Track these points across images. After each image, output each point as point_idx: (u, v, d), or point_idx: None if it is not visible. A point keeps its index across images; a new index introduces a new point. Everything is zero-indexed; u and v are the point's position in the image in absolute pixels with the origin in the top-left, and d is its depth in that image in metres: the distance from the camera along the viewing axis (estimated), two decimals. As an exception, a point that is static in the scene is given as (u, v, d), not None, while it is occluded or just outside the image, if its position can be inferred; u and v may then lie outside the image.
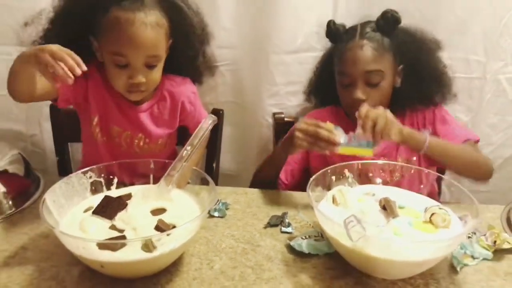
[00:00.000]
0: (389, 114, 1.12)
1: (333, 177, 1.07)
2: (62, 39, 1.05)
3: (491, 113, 1.51)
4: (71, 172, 1.55)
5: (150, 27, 1.09)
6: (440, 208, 0.95)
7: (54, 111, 1.51)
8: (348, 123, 1.28)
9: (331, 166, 1.07)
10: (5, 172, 1.18)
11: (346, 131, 1.13)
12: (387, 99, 1.30)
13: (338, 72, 1.31)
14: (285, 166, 1.33)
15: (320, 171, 1.04)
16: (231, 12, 1.44)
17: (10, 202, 1.15)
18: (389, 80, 1.28)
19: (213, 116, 1.06)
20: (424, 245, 0.86)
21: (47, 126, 1.58)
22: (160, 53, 1.16)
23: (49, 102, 1.50)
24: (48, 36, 1.17)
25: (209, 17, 1.43)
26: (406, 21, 1.26)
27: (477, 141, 1.30)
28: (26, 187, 1.21)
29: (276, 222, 1.08)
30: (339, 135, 1.10)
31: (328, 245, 0.97)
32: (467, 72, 1.43)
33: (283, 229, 1.06)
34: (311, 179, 0.99)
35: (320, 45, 1.45)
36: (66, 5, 1.15)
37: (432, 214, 0.94)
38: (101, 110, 1.27)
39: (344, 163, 1.10)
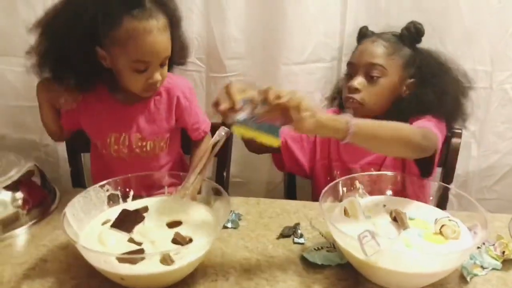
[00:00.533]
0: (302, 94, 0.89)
1: (344, 189, 1.09)
2: (64, 50, 1.15)
3: (497, 122, 1.53)
4: (84, 182, 1.61)
5: (163, 31, 1.15)
6: (449, 220, 0.97)
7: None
8: None
9: (342, 178, 1.09)
10: (22, 183, 1.20)
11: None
12: (383, 100, 1.31)
13: (346, 64, 1.37)
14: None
15: (332, 183, 1.06)
16: (240, 23, 1.47)
17: (27, 213, 1.17)
18: (391, 82, 1.30)
19: (225, 128, 1.08)
20: (437, 257, 0.88)
21: (61, 136, 1.60)
22: (170, 52, 1.21)
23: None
24: (48, 47, 1.19)
25: (218, 28, 1.47)
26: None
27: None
28: (43, 198, 1.24)
29: (289, 233, 1.10)
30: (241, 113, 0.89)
31: (340, 256, 0.99)
32: (474, 82, 1.44)
33: (296, 240, 1.08)
34: (323, 191, 1.02)
35: (329, 56, 1.48)
36: (69, 19, 1.14)
37: (442, 225, 0.96)
38: (95, 123, 1.33)
39: (354, 174, 1.12)
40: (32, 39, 1.44)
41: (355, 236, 0.87)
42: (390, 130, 1.03)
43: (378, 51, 1.29)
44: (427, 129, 1.17)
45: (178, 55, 1.30)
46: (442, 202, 1.12)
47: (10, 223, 1.13)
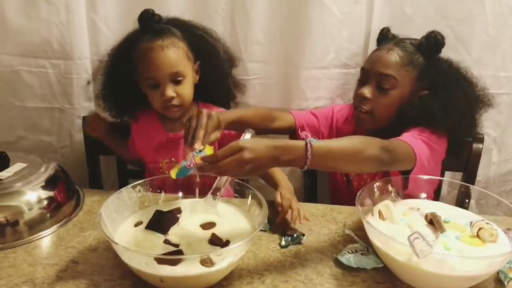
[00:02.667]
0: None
1: (378, 192, 1.09)
2: (116, 86, 1.36)
3: (518, 127, 1.54)
4: (101, 184, 1.59)
5: (167, 48, 1.26)
6: (487, 223, 0.97)
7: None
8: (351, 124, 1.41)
9: (376, 181, 1.10)
10: (47, 184, 1.18)
11: (347, 133, 1.22)
12: (392, 111, 1.29)
13: (360, 69, 1.37)
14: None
15: (366, 186, 1.06)
16: (264, 27, 1.46)
17: (53, 215, 1.15)
18: (402, 93, 1.27)
19: (251, 130, 1.08)
20: (482, 260, 0.87)
21: (78, 137, 1.59)
22: (182, 69, 1.29)
23: (81, 114, 1.54)
24: (106, 86, 1.39)
25: (243, 31, 1.47)
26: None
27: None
28: (68, 199, 1.22)
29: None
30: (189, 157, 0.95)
31: (375, 259, 0.99)
32: (496, 88, 1.44)
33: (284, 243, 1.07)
34: (358, 193, 1.01)
35: (352, 62, 1.48)
36: (111, 57, 1.36)
37: (480, 228, 0.96)
38: (148, 150, 1.43)
39: (386, 178, 1.12)
40: (53, 40, 1.46)
41: (395, 238, 0.87)
42: (344, 148, 1.00)
43: (392, 61, 1.26)
44: (396, 142, 1.14)
45: (222, 93, 1.43)
46: (466, 206, 1.13)
47: (36, 224, 1.12)
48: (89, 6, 1.45)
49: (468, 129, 1.34)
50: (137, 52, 1.28)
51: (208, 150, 0.99)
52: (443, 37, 1.27)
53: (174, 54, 1.27)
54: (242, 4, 1.43)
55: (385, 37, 1.39)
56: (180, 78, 1.28)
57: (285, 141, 0.96)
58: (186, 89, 1.31)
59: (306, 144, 0.93)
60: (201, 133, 1.03)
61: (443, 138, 1.27)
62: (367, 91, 1.29)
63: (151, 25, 1.28)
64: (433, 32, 1.27)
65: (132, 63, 1.29)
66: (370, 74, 1.30)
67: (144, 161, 1.46)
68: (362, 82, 1.33)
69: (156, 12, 1.29)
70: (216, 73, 1.38)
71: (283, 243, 1.07)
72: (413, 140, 1.17)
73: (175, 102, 1.29)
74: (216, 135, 1.09)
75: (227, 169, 0.90)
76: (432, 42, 1.27)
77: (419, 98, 1.28)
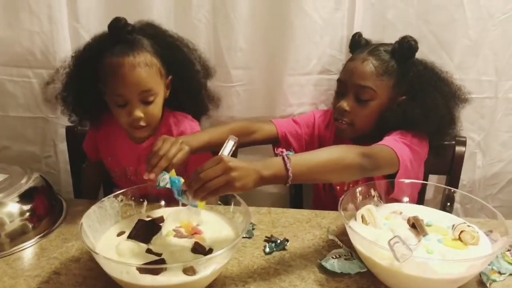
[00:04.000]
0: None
1: (360, 197, 1.09)
2: (78, 91, 1.26)
3: (501, 131, 1.55)
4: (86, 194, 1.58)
5: (139, 67, 1.17)
6: (468, 226, 0.98)
7: (70, 133, 1.53)
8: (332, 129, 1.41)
9: (359, 186, 1.10)
10: (29, 195, 1.17)
11: (329, 138, 1.23)
12: (372, 120, 1.29)
13: (336, 80, 1.35)
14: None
15: (348, 191, 1.07)
16: (247, 33, 1.47)
17: (35, 226, 1.14)
18: (381, 103, 1.27)
19: (234, 137, 1.07)
20: (463, 263, 0.88)
21: (62, 147, 1.59)
22: (153, 88, 1.21)
23: (65, 124, 1.53)
24: (68, 89, 1.29)
25: (226, 38, 1.47)
26: (422, 47, 1.28)
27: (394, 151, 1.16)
28: (51, 210, 1.21)
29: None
30: (163, 178, 0.98)
31: (359, 264, 0.99)
32: (478, 92, 1.46)
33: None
34: (341, 199, 1.02)
35: (335, 68, 1.49)
36: (75, 61, 1.27)
37: (461, 231, 0.96)
38: (113, 156, 1.38)
39: (369, 182, 1.13)
40: (36, 50, 1.45)
41: (377, 243, 0.87)
42: (323, 159, 1.00)
43: (367, 72, 1.25)
44: (378, 147, 1.14)
45: (195, 105, 1.37)
46: (450, 209, 1.13)
47: (18, 236, 1.11)
48: (71, 16, 1.46)
49: (449, 129, 1.33)
50: (105, 64, 1.19)
51: (172, 174, 0.99)
52: (416, 42, 1.25)
53: (146, 73, 1.18)
54: (224, 11, 1.44)
55: (357, 43, 1.38)
56: (150, 99, 1.21)
57: (262, 159, 0.96)
58: (156, 109, 1.24)
59: (283, 158, 0.93)
60: (162, 162, 1.01)
61: (424, 140, 1.28)
62: (345, 104, 1.28)
63: (122, 36, 1.18)
64: (405, 37, 1.26)
65: (99, 71, 1.21)
66: (347, 86, 1.29)
67: (107, 166, 1.41)
68: (339, 94, 1.32)
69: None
70: (190, 85, 1.32)
71: (267, 249, 1.07)
72: (395, 144, 1.17)
73: (142, 122, 1.22)
74: (178, 157, 1.05)
75: (212, 180, 0.87)
76: (406, 47, 1.26)
77: (398, 104, 1.28)
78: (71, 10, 1.44)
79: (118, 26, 1.17)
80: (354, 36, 1.39)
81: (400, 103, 1.28)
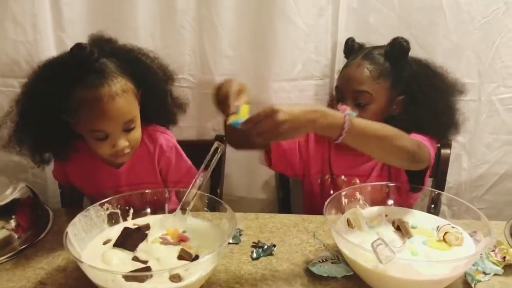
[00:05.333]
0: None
1: (346, 200, 1.10)
2: (36, 126, 1.15)
3: (486, 132, 1.57)
4: (73, 203, 1.57)
5: (118, 96, 1.11)
6: (452, 227, 0.99)
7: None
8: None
9: (344, 190, 1.10)
10: (15, 205, 1.16)
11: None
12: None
13: (334, 87, 1.36)
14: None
15: (333, 194, 1.07)
16: (232, 40, 1.48)
17: (21, 236, 1.14)
18: (380, 106, 1.29)
19: (220, 143, 1.08)
20: (447, 264, 0.89)
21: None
22: (135, 114, 1.17)
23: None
24: (23, 126, 1.17)
25: (211, 45, 1.48)
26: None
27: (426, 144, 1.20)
28: (37, 220, 1.20)
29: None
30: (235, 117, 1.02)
31: (346, 267, 0.99)
32: (463, 95, 1.48)
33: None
34: (326, 202, 1.02)
35: (320, 73, 1.50)
36: (30, 93, 1.16)
37: (446, 233, 0.97)
38: (88, 181, 1.33)
39: (354, 186, 1.13)
40: (21, 60, 1.44)
41: (362, 246, 0.88)
42: (382, 132, 1.03)
43: (363, 76, 1.27)
44: (421, 142, 1.16)
45: (163, 115, 1.32)
46: (435, 211, 1.13)
47: (4, 246, 1.10)
48: (56, 25, 1.46)
49: (453, 121, 1.33)
50: (77, 98, 1.09)
51: (244, 108, 1.03)
52: (407, 42, 1.28)
53: (125, 101, 1.12)
54: (209, 18, 1.45)
55: (351, 48, 1.39)
56: (132, 126, 1.16)
57: (323, 107, 1.00)
58: (138, 133, 1.20)
59: (345, 116, 0.97)
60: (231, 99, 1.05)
61: (435, 143, 1.29)
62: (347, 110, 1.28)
63: (89, 64, 1.09)
64: (396, 38, 1.28)
65: (63, 103, 1.10)
66: (345, 92, 1.30)
67: (82, 192, 1.38)
68: (339, 101, 1.33)
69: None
70: (158, 96, 1.26)
71: (254, 255, 1.07)
72: (426, 143, 1.19)
73: (126, 150, 1.17)
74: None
75: (262, 131, 0.93)
76: (397, 48, 1.28)
77: (396, 105, 1.30)
78: (55, 19, 1.44)
79: (82, 54, 1.08)
80: (347, 41, 1.40)
81: (399, 103, 1.30)
